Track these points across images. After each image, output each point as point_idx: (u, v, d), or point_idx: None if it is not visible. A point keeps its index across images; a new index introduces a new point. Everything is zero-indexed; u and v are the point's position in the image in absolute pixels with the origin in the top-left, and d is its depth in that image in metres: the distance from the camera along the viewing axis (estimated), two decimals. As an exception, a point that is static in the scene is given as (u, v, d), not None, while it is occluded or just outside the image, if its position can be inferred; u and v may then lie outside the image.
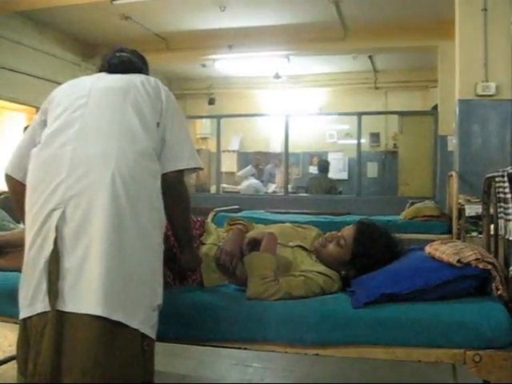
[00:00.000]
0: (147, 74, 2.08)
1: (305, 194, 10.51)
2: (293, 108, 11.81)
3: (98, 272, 1.57)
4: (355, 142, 9.47)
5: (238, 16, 8.30)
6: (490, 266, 1.82)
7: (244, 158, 12.80)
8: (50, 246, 1.61)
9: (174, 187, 1.90)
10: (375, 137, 11.67)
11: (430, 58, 9.08)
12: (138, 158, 1.72)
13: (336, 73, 11.46)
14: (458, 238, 4.90)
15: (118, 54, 2.04)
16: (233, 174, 12.26)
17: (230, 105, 12.16)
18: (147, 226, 1.69)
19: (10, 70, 8.16)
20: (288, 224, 2.59)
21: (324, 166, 9.85)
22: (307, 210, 9.11)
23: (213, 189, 10.72)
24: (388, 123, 11.34)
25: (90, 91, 1.85)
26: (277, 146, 11.56)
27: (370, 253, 2.20)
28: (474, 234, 4.86)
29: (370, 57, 10.23)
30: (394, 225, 5.22)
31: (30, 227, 1.70)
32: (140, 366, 1.62)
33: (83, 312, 1.56)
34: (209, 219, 5.77)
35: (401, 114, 9.94)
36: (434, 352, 1.72)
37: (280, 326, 1.86)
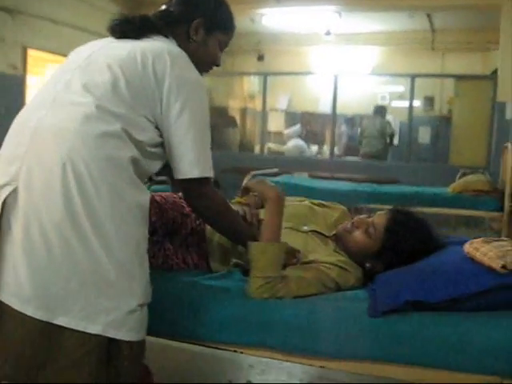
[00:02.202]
0: (178, 34, 1.74)
1: (351, 159, 10.17)
2: (344, 67, 11.37)
3: (34, 270, 1.42)
4: (408, 105, 8.97)
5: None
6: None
7: (292, 118, 12.47)
8: None
9: (189, 200, 1.73)
10: (429, 100, 11.14)
11: (492, 18, 8.43)
12: (99, 142, 1.46)
13: (390, 31, 10.83)
14: (510, 217, 4.55)
15: (124, 17, 1.74)
16: (280, 133, 11.98)
17: (279, 62, 11.80)
18: (110, 229, 1.44)
19: (52, 21, 8.03)
20: (306, 202, 2.28)
21: (380, 109, 9.41)
22: (352, 175, 8.80)
23: (257, 149, 10.47)
24: (444, 87, 10.75)
25: (79, 65, 1.60)
26: (326, 107, 11.12)
27: (401, 247, 1.91)
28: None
29: (428, 15, 9.62)
30: (441, 198, 4.96)
31: None
32: (96, 369, 1.44)
33: (16, 308, 1.43)
34: (245, 181, 5.56)
35: (457, 77, 9.32)
36: (463, 377, 1.44)
37: (282, 331, 1.61)
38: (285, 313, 1.65)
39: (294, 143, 10.08)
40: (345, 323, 1.58)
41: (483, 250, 1.63)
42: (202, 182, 1.61)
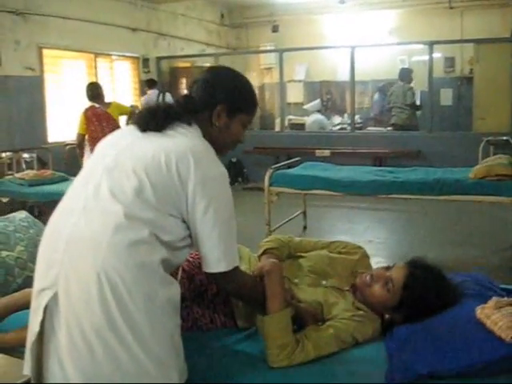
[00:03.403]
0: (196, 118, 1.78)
1: (372, 130, 10.08)
2: (360, 33, 11.18)
3: (80, 371, 1.52)
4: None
5: None
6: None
7: (310, 88, 12.38)
8: (36, 327, 1.58)
9: (219, 285, 1.93)
10: (450, 61, 10.93)
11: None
12: (130, 251, 1.54)
13: (406, -7, 10.61)
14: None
15: (145, 108, 1.81)
16: (300, 104, 11.92)
17: (294, 32, 11.66)
18: (145, 328, 1.54)
19: (63, 17, 8.05)
20: (324, 253, 2.32)
21: (405, 73, 9.10)
22: (374, 149, 8.77)
23: (277, 124, 10.44)
24: (464, 46, 10.51)
25: (106, 166, 1.67)
26: (344, 75, 10.97)
27: (419, 304, 1.95)
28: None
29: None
30: (463, 185, 4.87)
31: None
32: None
33: None
34: (266, 178, 5.59)
35: (477, 41, 9.10)
36: None
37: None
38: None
39: (313, 118, 10.04)
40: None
41: (494, 319, 1.68)
42: (228, 272, 1.70)
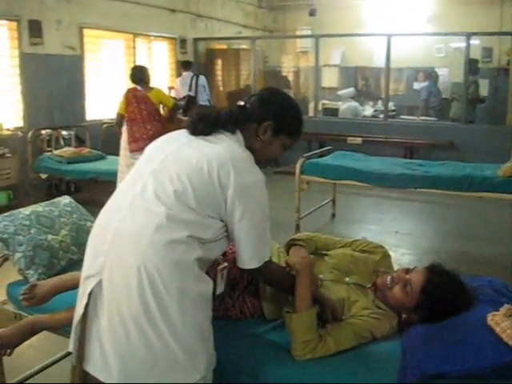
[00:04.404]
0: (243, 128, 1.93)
1: (405, 119, 10.07)
2: (398, 20, 11.10)
3: (118, 352, 1.71)
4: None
5: None
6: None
7: (346, 73, 12.38)
8: (81, 310, 1.77)
9: (252, 276, 2.12)
10: (487, 51, 10.77)
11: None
12: (168, 249, 1.70)
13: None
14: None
15: (198, 112, 1.96)
16: (334, 89, 11.93)
17: (332, 16, 11.64)
18: (177, 319, 1.71)
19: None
20: (348, 251, 2.45)
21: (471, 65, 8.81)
22: (406, 139, 8.79)
23: (311, 108, 10.49)
24: (503, 37, 10.36)
25: (154, 169, 1.82)
26: (380, 61, 10.92)
27: (435, 308, 2.08)
28: None
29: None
30: (491, 183, 4.93)
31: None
32: None
33: (102, 380, 1.73)
34: (297, 167, 5.71)
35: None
36: None
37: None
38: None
39: (347, 105, 10.08)
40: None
41: (503, 326, 1.80)
42: (259, 267, 1.89)
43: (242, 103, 2.01)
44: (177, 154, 1.84)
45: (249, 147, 1.91)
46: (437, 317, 2.05)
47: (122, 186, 1.92)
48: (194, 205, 1.74)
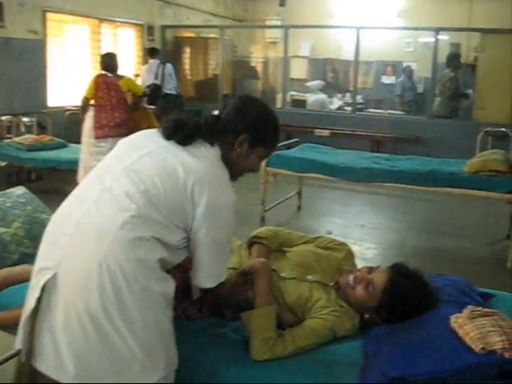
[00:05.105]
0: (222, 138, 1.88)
1: (373, 112, 10.10)
2: (368, 13, 11.10)
3: (74, 349, 1.64)
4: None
5: None
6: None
7: (315, 64, 12.35)
8: (32, 303, 1.68)
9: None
10: (456, 47, 10.79)
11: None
12: (132, 246, 1.64)
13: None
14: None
15: (174, 118, 1.86)
16: (303, 80, 11.89)
17: (301, 7, 11.58)
18: (137, 318, 1.65)
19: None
20: (311, 247, 2.40)
21: (451, 60, 8.66)
22: (374, 132, 8.80)
23: (279, 99, 10.42)
24: (471, 33, 10.41)
25: (126, 167, 1.76)
26: (349, 53, 10.91)
27: (397, 308, 2.04)
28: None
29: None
30: (456, 178, 4.94)
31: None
32: None
33: (54, 378, 1.65)
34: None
35: (483, 31, 8.99)
36: None
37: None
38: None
39: (315, 97, 10.05)
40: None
41: (466, 329, 1.75)
42: (214, 287, 1.89)
43: (216, 113, 1.95)
44: (154, 156, 1.78)
45: (225, 159, 1.85)
46: (399, 317, 2.02)
47: (88, 178, 1.85)
48: (163, 209, 1.70)
